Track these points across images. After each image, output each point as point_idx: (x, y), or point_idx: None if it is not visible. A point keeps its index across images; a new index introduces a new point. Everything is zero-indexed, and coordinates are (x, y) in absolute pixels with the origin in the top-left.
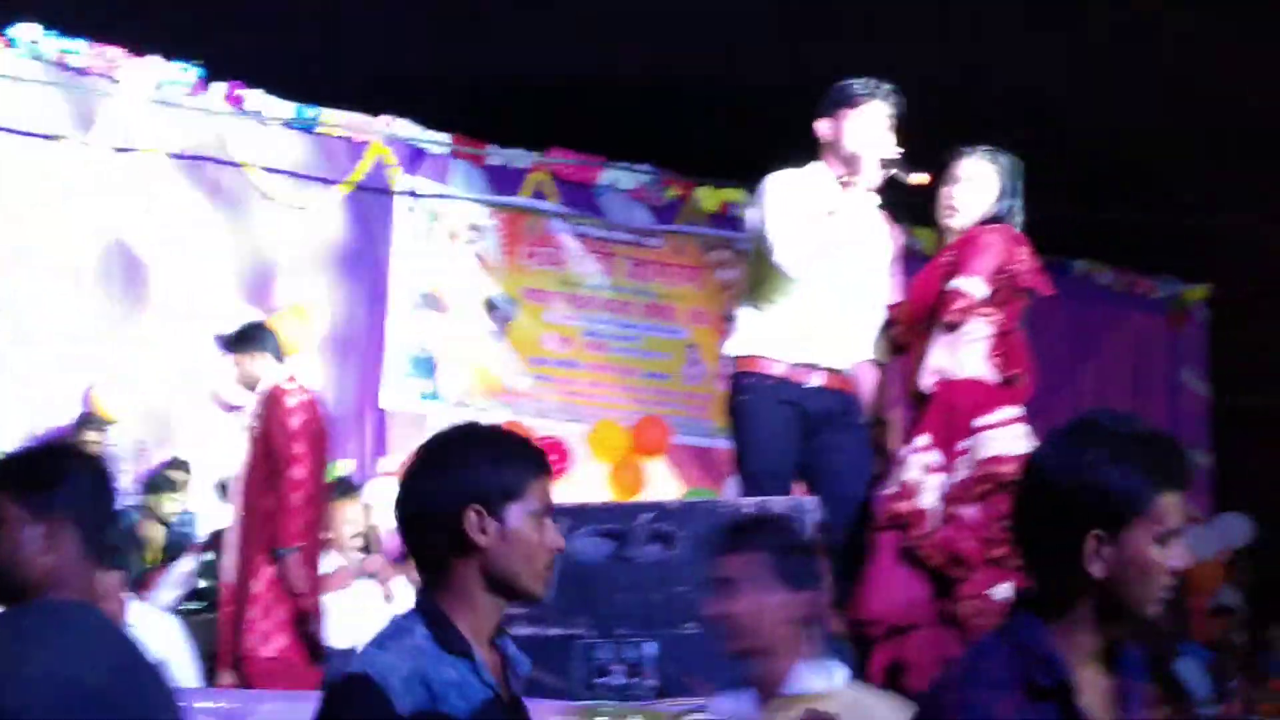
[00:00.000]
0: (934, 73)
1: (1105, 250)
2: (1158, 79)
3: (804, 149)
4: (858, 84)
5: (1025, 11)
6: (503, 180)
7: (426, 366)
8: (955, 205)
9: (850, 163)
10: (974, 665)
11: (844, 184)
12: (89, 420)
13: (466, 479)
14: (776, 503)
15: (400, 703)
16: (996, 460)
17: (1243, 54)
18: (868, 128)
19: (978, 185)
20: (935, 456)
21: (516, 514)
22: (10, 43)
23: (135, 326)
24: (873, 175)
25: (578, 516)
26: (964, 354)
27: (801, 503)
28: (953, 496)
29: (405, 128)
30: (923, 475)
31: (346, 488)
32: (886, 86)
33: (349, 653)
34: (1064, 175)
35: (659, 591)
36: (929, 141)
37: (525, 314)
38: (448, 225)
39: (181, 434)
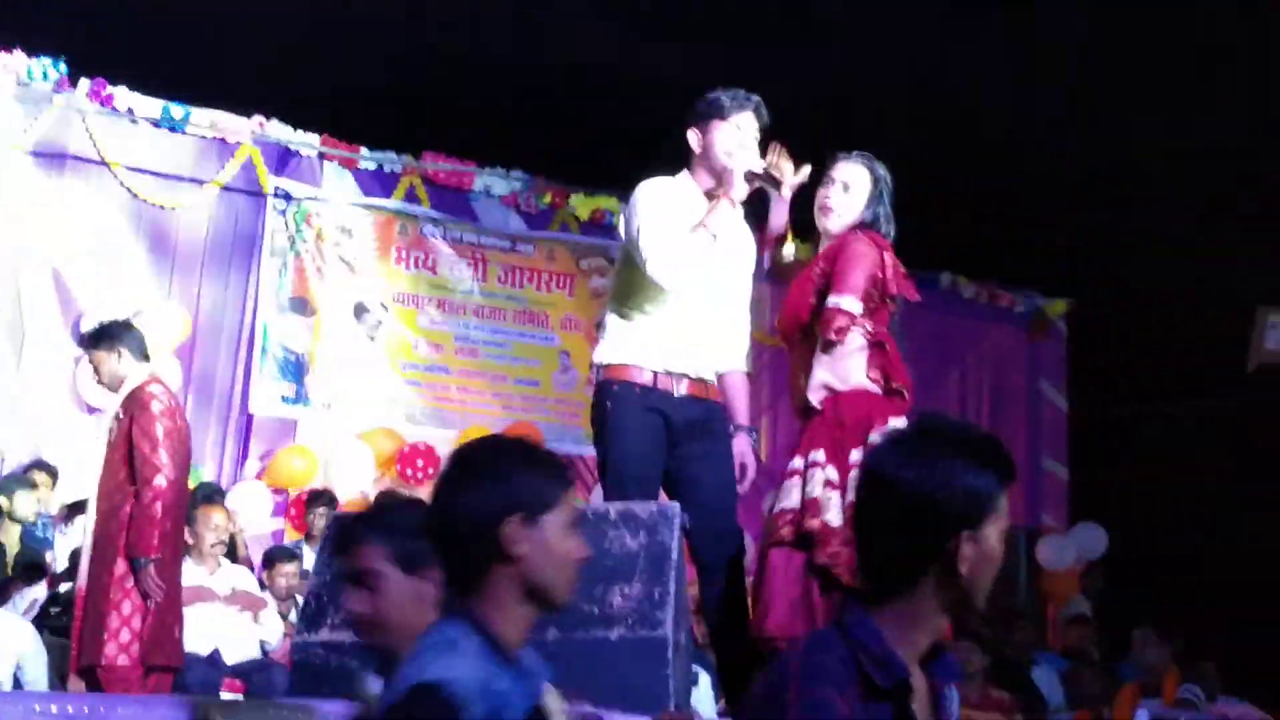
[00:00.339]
0: (811, 79)
1: (969, 264)
2: (1027, 94)
3: (678, 157)
4: (726, 95)
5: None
6: (375, 183)
7: (295, 370)
8: (831, 206)
9: (718, 174)
10: (811, 661)
11: (710, 195)
12: None
13: (506, 490)
14: (642, 508)
15: (470, 712)
16: None
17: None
18: (735, 139)
19: (853, 189)
20: (833, 472)
21: (552, 524)
22: None
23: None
24: (740, 188)
25: None
26: (846, 366)
27: (666, 509)
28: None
29: (276, 128)
30: (825, 491)
31: (210, 493)
32: (755, 98)
33: (211, 659)
34: (933, 188)
35: None
36: (804, 148)
37: (396, 318)
38: (317, 228)
39: (50, 438)
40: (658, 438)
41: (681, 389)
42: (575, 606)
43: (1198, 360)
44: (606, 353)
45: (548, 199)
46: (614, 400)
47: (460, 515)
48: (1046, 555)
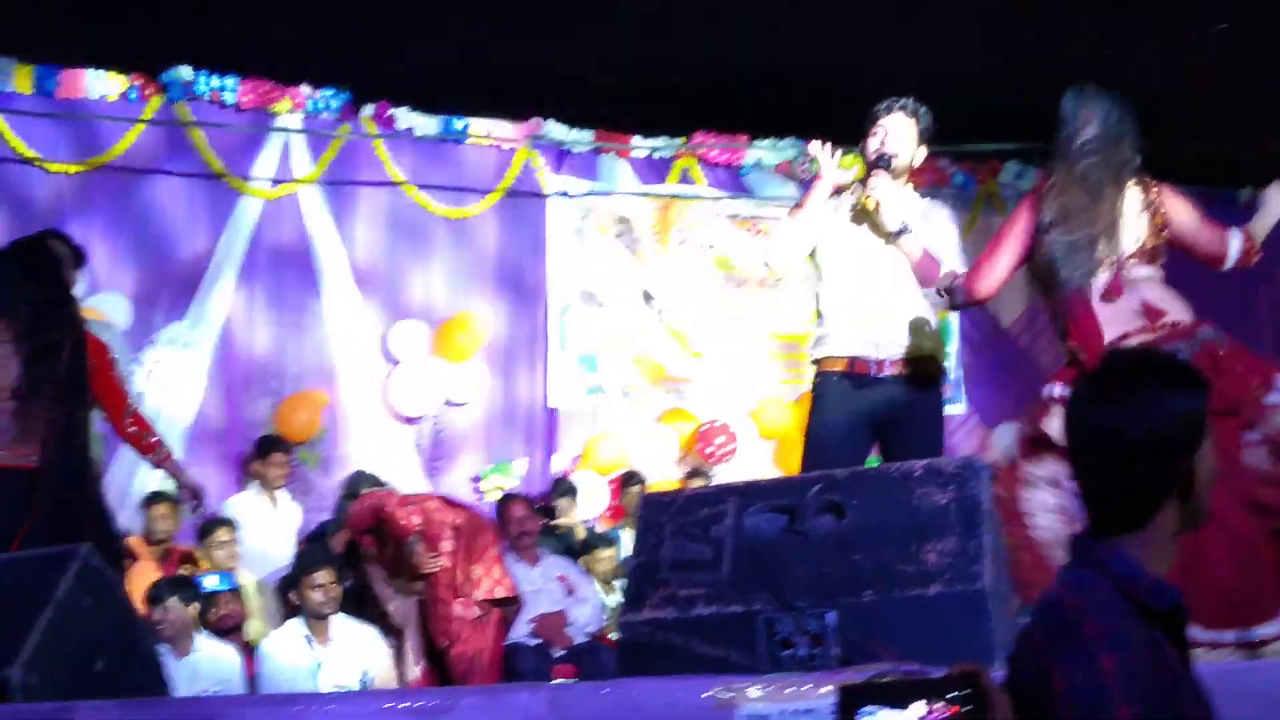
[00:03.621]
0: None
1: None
2: None
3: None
4: (881, 103)
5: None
6: (650, 170)
7: (590, 362)
8: None
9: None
10: (1089, 599)
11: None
12: (275, 442)
13: (1191, 412)
14: (947, 463)
15: None
16: None
17: None
18: (873, 140)
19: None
20: None
21: (1207, 449)
22: (164, 88)
23: (312, 349)
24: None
25: (748, 494)
26: None
27: (973, 460)
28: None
29: (550, 129)
30: None
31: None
32: (898, 101)
33: (539, 648)
34: None
35: (834, 562)
36: None
37: (681, 300)
38: (598, 220)
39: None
40: (855, 423)
41: (876, 371)
42: (889, 566)
43: None
44: (811, 347)
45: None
46: (816, 391)
47: (1143, 438)
48: None
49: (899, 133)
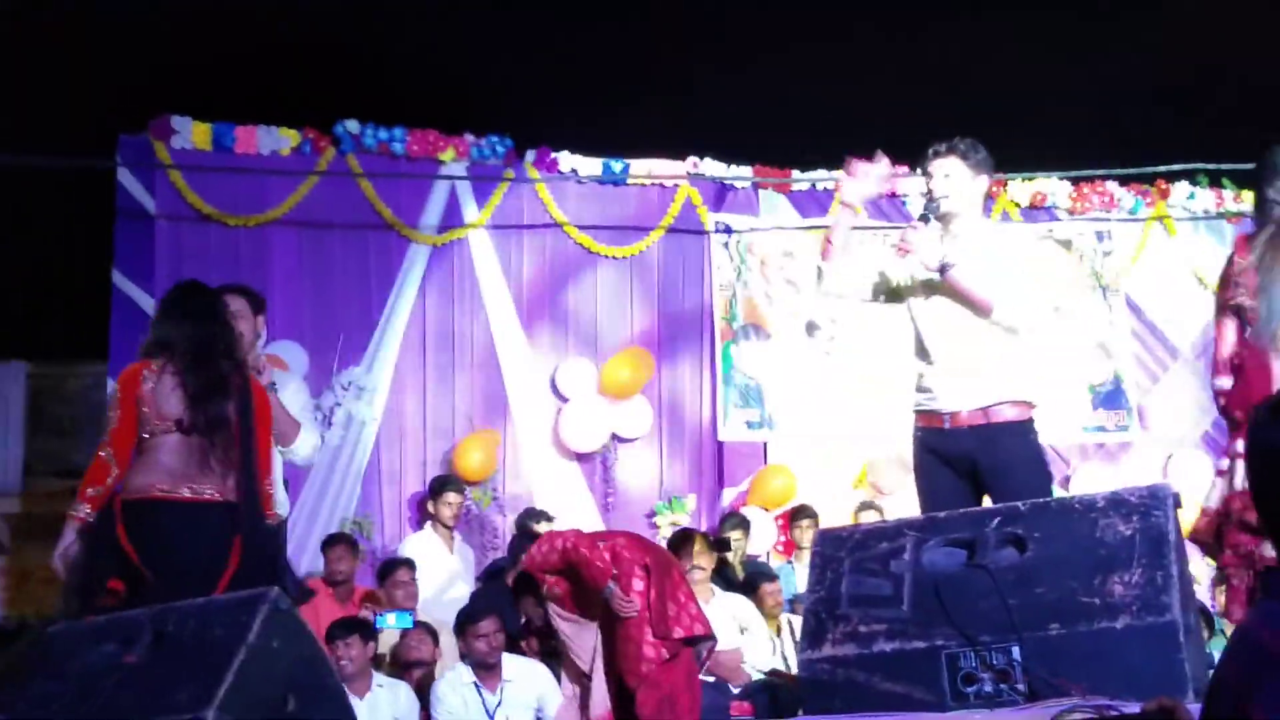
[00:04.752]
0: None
1: None
2: None
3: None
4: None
5: None
6: (810, 203)
7: (756, 395)
8: None
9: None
10: None
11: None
12: (449, 481)
13: None
14: (1131, 492)
15: None
16: None
17: None
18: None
19: None
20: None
21: None
22: (336, 141)
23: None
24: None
25: (927, 528)
26: None
27: (1158, 489)
28: None
29: (709, 166)
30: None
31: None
32: (948, 143)
33: (716, 685)
34: None
35: (1017, 595)
36: None
37: (846, 330)
38: (760, 255)
39: (540, 486)
40: (946, 475)
41: (951, 424)
42: (1073, 599)
43: None
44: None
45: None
46: (913, 442)
47: None
48: None
49: (950, 174)
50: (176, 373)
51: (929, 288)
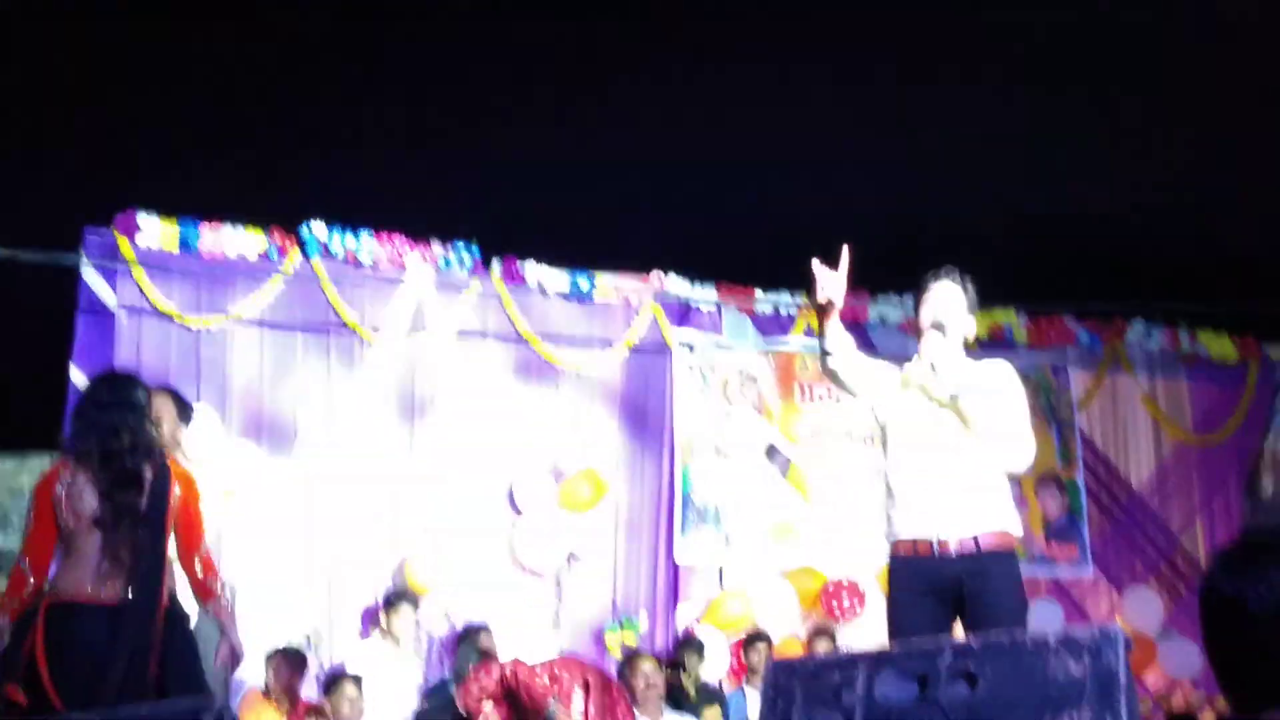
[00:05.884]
0: None
1: None
2: None
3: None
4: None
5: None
6: (773, 325)
7: (714, 516)
8: None
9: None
10: None
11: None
12: (402, 594)
13: None
14: (1083, 633)
15: None
16: None
17: None
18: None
19: None
20: None
21: None
22: (303, 244)
23: (437, 500)
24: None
25: (879, 661)
26: None
27: (1109, 630)
28: None
29: (674, 283)
30: None
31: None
32: (948, 269)
33: None
34: None
35: None
36: None
37: (806, 455)
38: (723, 375)
39: (487, 602)
40: (927, 603)
41: (940, 551)
42: None
43: None
44: (884, 525)
45: None
46: (889, 570)
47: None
48: None
49: (950, 300)
50: (88, 468)
51: (919, 414)
